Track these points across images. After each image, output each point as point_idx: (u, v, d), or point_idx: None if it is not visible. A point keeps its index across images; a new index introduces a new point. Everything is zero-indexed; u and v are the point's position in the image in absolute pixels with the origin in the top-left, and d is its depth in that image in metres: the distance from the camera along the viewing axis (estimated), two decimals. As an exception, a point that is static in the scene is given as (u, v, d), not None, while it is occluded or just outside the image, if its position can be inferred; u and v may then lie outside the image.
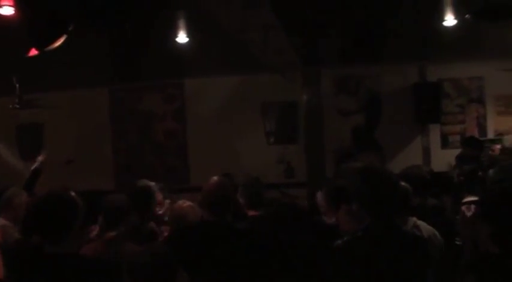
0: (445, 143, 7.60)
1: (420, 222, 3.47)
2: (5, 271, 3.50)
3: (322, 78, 7.87)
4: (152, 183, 4.55)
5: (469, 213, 4.28)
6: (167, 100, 8.53)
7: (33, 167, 5.97)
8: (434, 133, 7.66)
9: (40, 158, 6.07)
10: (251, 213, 4.25)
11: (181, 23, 5.36)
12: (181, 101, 8.46)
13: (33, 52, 3.58)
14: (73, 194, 2.60)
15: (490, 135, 7.56)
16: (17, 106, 5.80)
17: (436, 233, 3.42)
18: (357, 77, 7.84)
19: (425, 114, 7.40)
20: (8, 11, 3.44)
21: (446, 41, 6.21)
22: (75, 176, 8.16)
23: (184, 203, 4.47)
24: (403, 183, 3.65)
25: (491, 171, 4.25)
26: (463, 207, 4.38)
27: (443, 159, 6.75)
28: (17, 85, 5.76)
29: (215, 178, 3.69)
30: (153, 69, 7.61)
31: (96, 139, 8.65)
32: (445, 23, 5.58)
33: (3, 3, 3.41)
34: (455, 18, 5.42)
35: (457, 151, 6.67)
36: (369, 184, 2.78)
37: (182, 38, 5.84)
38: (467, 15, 4.93)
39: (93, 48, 5.92)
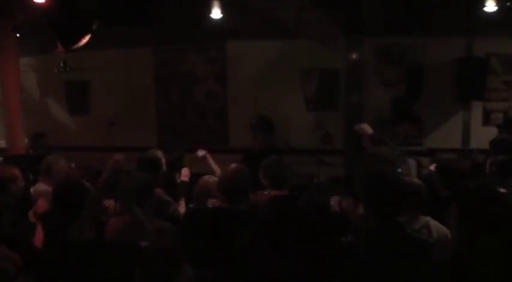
0: (486, 120, 7.38)
1: (433, 222, 3.46)
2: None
3: (365, 46, 7.73)
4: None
5: None
6: (209, 62, 8.59)
7: None
8: (477, 109, 7.43)
9: None
10: (274, 193, 4.36)
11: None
12: (223, 64, 8.51)
13: (60, 49, 3.70)
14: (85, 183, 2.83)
15: (535, 116, 7.25)
16: (62, 70, 6.01)
17: (449, 233, 3.37)
18: (401, 47, 7.63)
19: (468, 90, 7.16)
20: (41, -1, 3.56)
21: (495, 16, 5.94)
22: (119, 134, 8.51)
23: (211, 178, 4.63)
24: (416, 180, 3.67)
25: None
26: None
27: (484, 136, 6.54)
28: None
29: (233, 165, 3.80)
30: (196, 32, 7.67)
31: (140, 98, 8.91)
32: (486, 9, 5.34)
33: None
34: (496, 5, 5.19)
35: (499, 129, 6.43)
36: (374, 191, 2.84)
37: (217, 13, 5.87)
38: (508, 3, 4.72)
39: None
